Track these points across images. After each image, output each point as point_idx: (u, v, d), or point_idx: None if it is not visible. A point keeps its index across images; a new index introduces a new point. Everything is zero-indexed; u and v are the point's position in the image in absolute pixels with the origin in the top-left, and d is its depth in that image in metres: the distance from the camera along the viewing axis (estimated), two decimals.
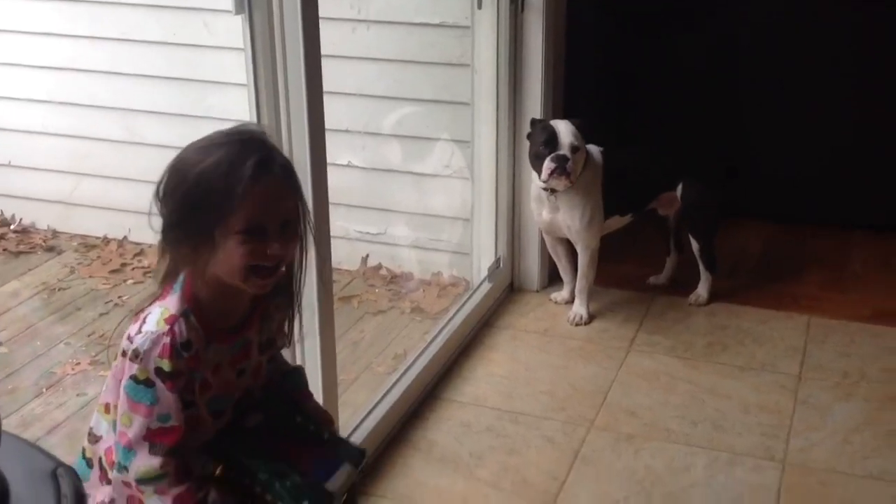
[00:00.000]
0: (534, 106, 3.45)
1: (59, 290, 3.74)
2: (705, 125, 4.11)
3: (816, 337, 3.37)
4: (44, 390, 3.08)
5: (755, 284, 3.75)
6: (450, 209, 3.78)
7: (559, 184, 3.21)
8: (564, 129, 3.20)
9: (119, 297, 3.65)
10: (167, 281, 1.58)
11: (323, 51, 2.21)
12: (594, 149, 3.36)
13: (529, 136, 3.30)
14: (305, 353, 2.36)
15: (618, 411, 2.95)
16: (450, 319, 3.29)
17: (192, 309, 1.54)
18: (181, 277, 1.57)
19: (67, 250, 4.07)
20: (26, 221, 4.26)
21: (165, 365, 1.50)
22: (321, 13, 2.18)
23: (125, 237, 4.03)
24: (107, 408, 1.64)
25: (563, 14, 3.53)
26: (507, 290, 3.67)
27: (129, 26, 3.90)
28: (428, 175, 3.77)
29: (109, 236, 4.06)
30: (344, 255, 3.76)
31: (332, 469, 1.67)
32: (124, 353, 1.54)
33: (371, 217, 3.85)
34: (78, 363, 3.20)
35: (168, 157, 1.60)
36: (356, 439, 2.63)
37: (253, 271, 1.55)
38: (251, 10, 2.13)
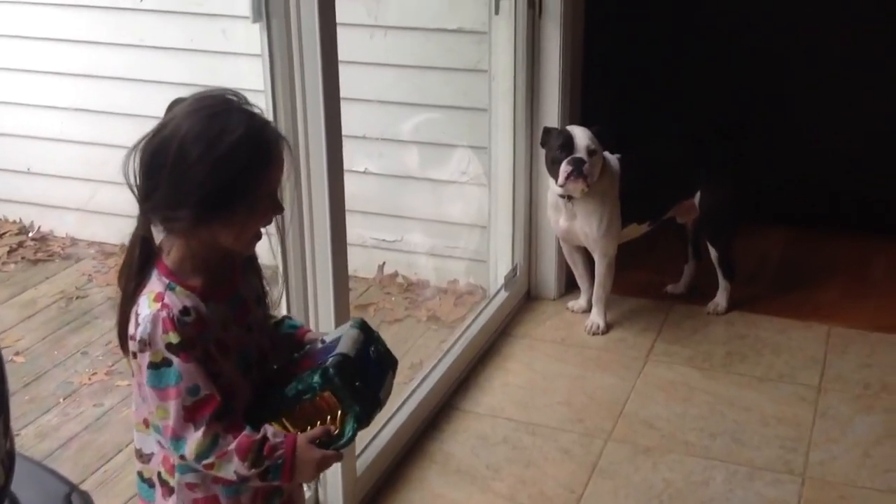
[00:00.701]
0: (551, 112, 3.44)
1: (76, 298, 3.74)
2: (724, 132, 4.07)
3: (836, 347, 3.33)
4: (61, 400, 3.07)
5: (774, 293, 3.72)
6: (466, 216, 3.76)
7: (576, 187, 3.19)
8: (581, 134, 3.18)
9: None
10: (144, 270, 1.53)
11: (340, 57, 2.20)
12: (612, 156, 3.34)
13: (543, 144, 3.28)
14: None
15: (635, 423, 2.92)
16: (466, 328, 3.28)
17: (176, 281, 1.51)
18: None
19: (85, 258, 4.08)
20: (45, 229, 4.27)
21: (173, 337, 1.46)
22: (338, 19, 2.17)
23: None
24: (146, 423, 1.61)
25: (581, 20, 3.52)
26: (524, 299, 3.65)
27: (147, 33, 3.91)
28: (445, 182, 3.76)
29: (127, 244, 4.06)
30: (360, 263, 3.74)
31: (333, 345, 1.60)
32: (134, 355, 1.51)
33: (387, 224, 3.84)
34: (95, 373, 3.20)
35: None
36: (371, 451, 2.62)
37: (257, 235, 1.56)
38: (269, 17, 2.13)
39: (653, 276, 3.77)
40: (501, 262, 3.60)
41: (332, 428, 1.53)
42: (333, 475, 2.41)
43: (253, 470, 1.49)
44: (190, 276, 1.52)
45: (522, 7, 3.31)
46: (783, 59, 4.08)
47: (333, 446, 1.54)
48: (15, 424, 1.50)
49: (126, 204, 1.55)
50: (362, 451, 2.57)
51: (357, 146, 3.58)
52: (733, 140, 3.61)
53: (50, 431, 2.91)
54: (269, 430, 1.52)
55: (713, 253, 3.52)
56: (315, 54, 2.12)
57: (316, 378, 1.53)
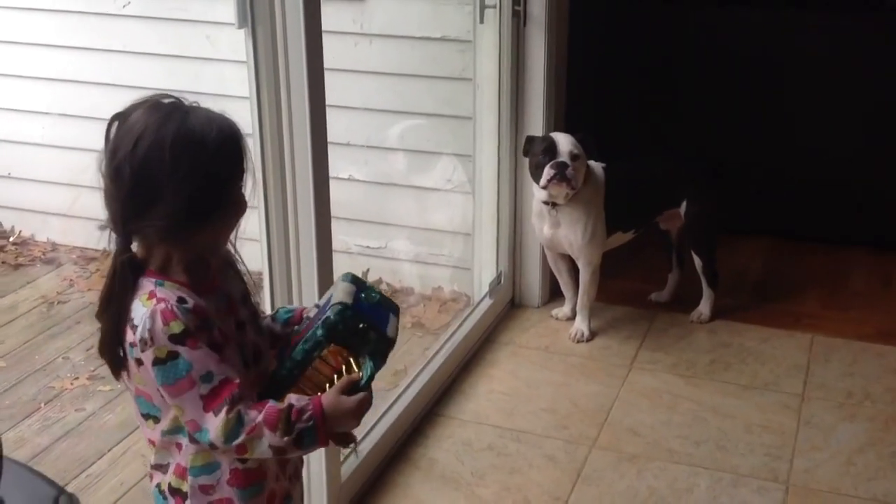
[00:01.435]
0: (535, 120, 3.44)
1: (57, 303, 3.72)
2: (706, 141, 4.10)
3: (819, 356, 3.35)
4: (42, 406, 3.05)
5: (757, 302, 3.73)
6: (451, 224, 3.76)
7: (559, 191, 3.20)
8: (564, 139, 3.20)
9: None
10: (133, 289, 1.48)
11: (325, 64, 2.20)
12: (596, 165, 3.35)
13: (526, 153, 3.29)
14: None
15: (620, 430, 2.92)
16: (451, 335, 3.27)
17: (163, 279, 1.48)
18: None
19: (66, 263, 4.05)
20: (26, 233, 4.24)
21: (176, 327, 1.42)
22: (323, 27, 2.17)
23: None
24: (152, 443, 1.56)
25: (565, 29, 3.53)
26: (508, 306, 3.65)
27: (130, 38, 3.89)
28: (429, 189, 3.76)
29: (109, 249, 4.03)
30: (344, 270, 3.70)
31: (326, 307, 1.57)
32: (139, 363, 1.45)
33: (372, 231, 3.83)
34: (77, 378, 3.18)
35: None
36: (356, 457, 2.61)
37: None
38: (254, 23, 2.12)
39: (637, 285, 3.78)
40: (486, 269, 3.60)
41: (356, 376, 1.50)
42: (318, 481, 2.40)
43: (286, 438, 1.44)
44: (176, 274, 1.49)
45: (507, 16, 3.32)
46: (767, 73, 4.11)
47: (356, 391, 1.50)
48: None
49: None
50: (347, 457, 2.56)
51: (342, 153, 3.58)
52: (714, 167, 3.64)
53: (31, 437, 2.89)
54: (292, 397, 1.47)
55: (698, 262, 3.54)
56: (301, 61, 2.12)
57: (319, 331, 1.50)
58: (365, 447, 2.64)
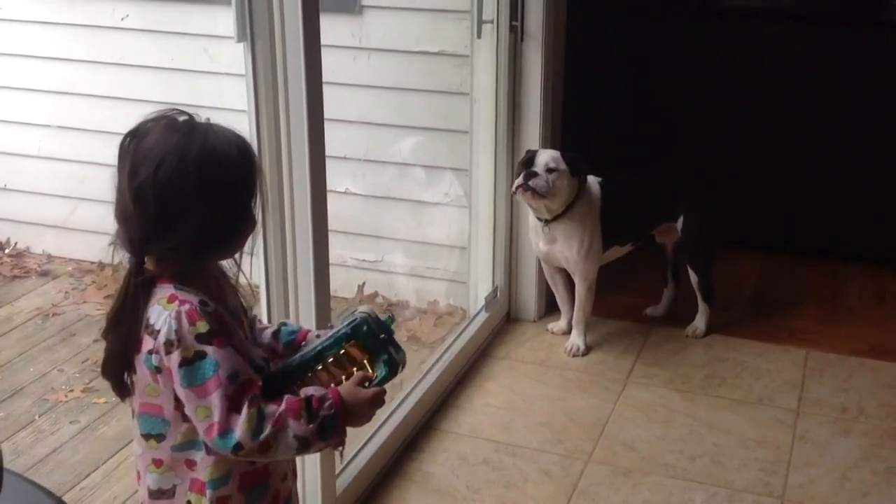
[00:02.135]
0: (532, 135, 3.45)
1: (53, 315, 3.71)
2: (702, 155, 4.11)
3: (814, 371, 3.35)
4: (37, 417, 3.05)
5: (752, 317, 3.74)
6: (447, 237, 3.77)
7: (528, 201, 3.24)
8: (544, 153, 3.23)
9: None
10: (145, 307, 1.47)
11: (323, 78, 2.21)
12: (592, 179, 3.36)
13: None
14: None
15: (616, 444, 2.93)
16: (447, 349, 3.28)
17: (181, 284, 1.47)
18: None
19: (62, 275, 4.05)
20: (21, 245, 4.24)
21: (202, 327, 1.42)
22: (322, 41, 2.18)
23: (120, 262, 4.00)
24: (157, 463, 1.53)
25: (562, 44, 3.54)
26: (504, 320, 3.65)
27: (128, 51, 3.90)
28: (426, 203, 3.76)
29: (104, 261, 4.03)
30: (340, 283, 3.73)
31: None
32: (158, 370, 1.44)
33: (368, 245, 3.84)
34: (71, 390, 3.17)
35: None
36: (351, 471, 2.61)
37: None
38: (253, 37, 2.13)
39: (633, 299, 3.79)
40: (482, 283, 3.60)
41: (370, 373, 1.52)
42: (313, 495, 2.40)
43: (311, 426, 1.44)
44: (189, 283, 1.49)
45: (504, 31, 3.34)
46: (762, 87, 4.13)
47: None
48: None
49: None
50: (342, 471, 2.56)
51: (339, 167, 3.59)
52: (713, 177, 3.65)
53: (25, 449, 2.88)
54: (308, 389, 1.49)
55: (693, 276, 3.55)
56: (299, 75, 2.12)
57: (343, 329, 1.52)
58: (360, 461, 2.64)
